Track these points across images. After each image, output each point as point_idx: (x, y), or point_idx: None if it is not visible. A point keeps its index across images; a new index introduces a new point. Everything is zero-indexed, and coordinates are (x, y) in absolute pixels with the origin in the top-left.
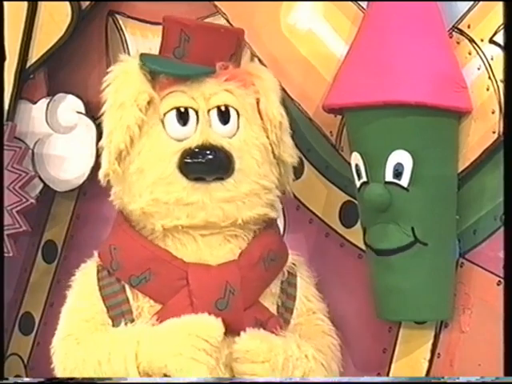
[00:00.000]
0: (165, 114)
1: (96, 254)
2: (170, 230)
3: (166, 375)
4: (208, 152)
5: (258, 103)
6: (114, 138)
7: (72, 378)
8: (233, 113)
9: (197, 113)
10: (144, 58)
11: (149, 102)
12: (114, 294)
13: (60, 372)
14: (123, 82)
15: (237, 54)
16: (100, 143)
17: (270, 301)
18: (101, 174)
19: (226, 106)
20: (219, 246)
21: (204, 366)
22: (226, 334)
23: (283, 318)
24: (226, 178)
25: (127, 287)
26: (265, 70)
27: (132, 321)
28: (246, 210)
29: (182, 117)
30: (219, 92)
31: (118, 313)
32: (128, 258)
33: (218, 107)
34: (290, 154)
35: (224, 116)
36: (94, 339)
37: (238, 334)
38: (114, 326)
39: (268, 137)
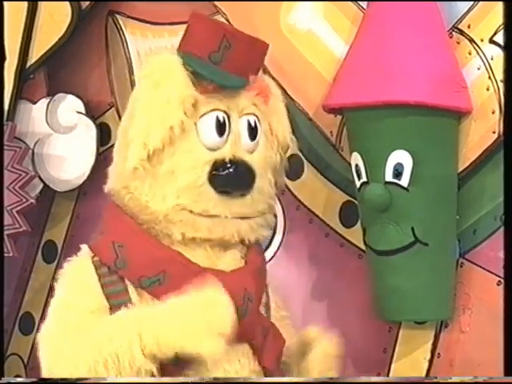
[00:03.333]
0: (201, 117)
1: (85, 248)
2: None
3: (176, 356)
4: (237, 167)
5: (269, 122)
6: (151, 134)
7: (65, 379)
8: (259, 129)
9: (230, 124)
10: (188, 59)
11: (192, 105)
12: (117, 293)
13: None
14: (167, 78)
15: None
16: (130, 135)
17: (262, 309)
18: (129, 166)
19: (255, 122)
20: (224, 252)
21: (219, 345)
22: (241, 341)
23: None
24: (247, 195)
25: (131, 287)
26: (274, 85)
27: None
28: (255, 231)
29: (221, 126)
30: (250, 106)
31: None
32: (139, 258)
33: (249, 122)
34: (282, 176)
35: (253, 131)
36: (94, 327)
37: (249, 341)
38: None
39: (275, 156)
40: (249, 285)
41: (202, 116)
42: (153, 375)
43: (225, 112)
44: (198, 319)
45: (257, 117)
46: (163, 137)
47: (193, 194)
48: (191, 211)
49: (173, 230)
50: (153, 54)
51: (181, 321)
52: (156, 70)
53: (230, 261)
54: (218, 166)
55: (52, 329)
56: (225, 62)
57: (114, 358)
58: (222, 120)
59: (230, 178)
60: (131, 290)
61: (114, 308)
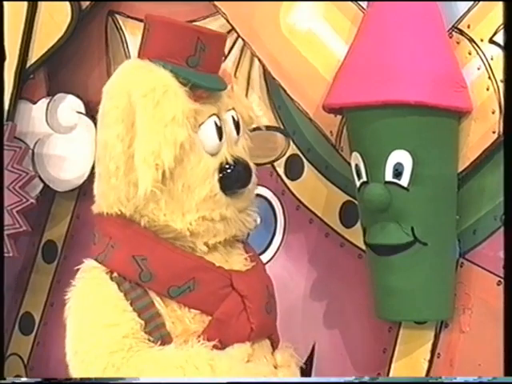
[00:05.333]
0: (200, 126)
1: (93, 264)
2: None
3: None
4: (238, 166)
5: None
6: (164, 153)
7: (69, 379)
8: (240, 121)
9: (222, 125)
10: (183, 72)
11: (194, 118)
12: (146, 307)
13: None
14: (167, 95)
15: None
16: (138, 157)
17: None
18: (141, 191)
19: (236, 115)
20: (231, 252)
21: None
22: (265, 337)
23: None
24: (245, 188)
25: (157, 299)
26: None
27: (167, 334)
28: (252, 218)
29: (219, 130)
30: (230, 102)
31: (153, 326)
32: (166, 269)
33: (232, 117)
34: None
35: (237, 125)
36: (151, 359)
37: (271, 335)
38: (150, 340)
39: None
40: (268, 282)
41: (200, 125)
42: None
43: (217, 115)
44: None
45: (234, 109)
46: (174, 156)
47: (210, 204)
48: (212, 219)
49: (196, 242)
50: (139, 69)
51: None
52: (155, 89)
53: (238, 260)
54: (222, 170)
55: (93, 351)
56: (202, 64)
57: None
58: (219, 124)
59: (235, 178)
60: (157, 301)
61: (147, 323)
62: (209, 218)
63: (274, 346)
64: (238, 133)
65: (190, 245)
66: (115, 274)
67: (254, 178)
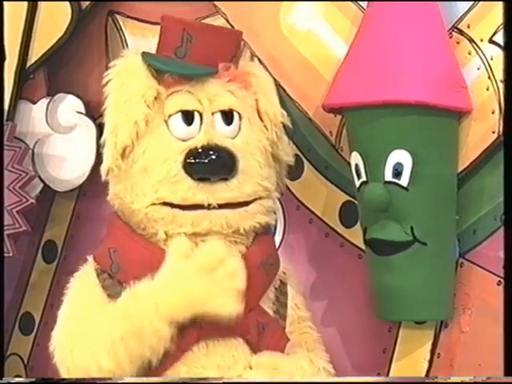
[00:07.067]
0: (170, 116)
1: (90, 259)
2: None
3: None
4: (212, 152)
5: (256, 103)
6: (119, 132)
7: (65, 379)
8: (235, 114)
9: (201, 114)
10: (147, 56)
11: (155, 98)
12: (117, 295)
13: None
14: (129, 77)
15: (237, 55)
16: (102, 138)
17: (267, 305)
18: (103, 169)
19: (229, 107)
20: None
21: (233, 302)
22: (230, 336)
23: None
24: (230, 179)
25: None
26: (261, 68)
27: None
28: (248, 218)
29: (188, 117)
30: (222, 94)
31: None
32: (130, 261)
33: (222, 108)
34: (287, 153)
35: (228, 117)
36: (103, 311)
37: (242, 336)
38: None
39: (267, 138)
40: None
41: (171, 115)
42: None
43: (194, 105)
44: (210, 279)
45: (232, 103)
46: (130, 133)
47: (169, 185)
48: (171, 204)
49: (156, 228)
50: (120, 57)
51: (193, 284)
52: (119, 73)
53: None
54: (192, 154)
55: (63, 332)
56: (189, 55)
57: (131, 333)
58: (189, 109)
59: (206, 163)
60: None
61: None
62: (167, 201)
63: (254, 348)
64: (228, 124)
65: (154, 231)
66: (98, 266)
67: (252, 171)
